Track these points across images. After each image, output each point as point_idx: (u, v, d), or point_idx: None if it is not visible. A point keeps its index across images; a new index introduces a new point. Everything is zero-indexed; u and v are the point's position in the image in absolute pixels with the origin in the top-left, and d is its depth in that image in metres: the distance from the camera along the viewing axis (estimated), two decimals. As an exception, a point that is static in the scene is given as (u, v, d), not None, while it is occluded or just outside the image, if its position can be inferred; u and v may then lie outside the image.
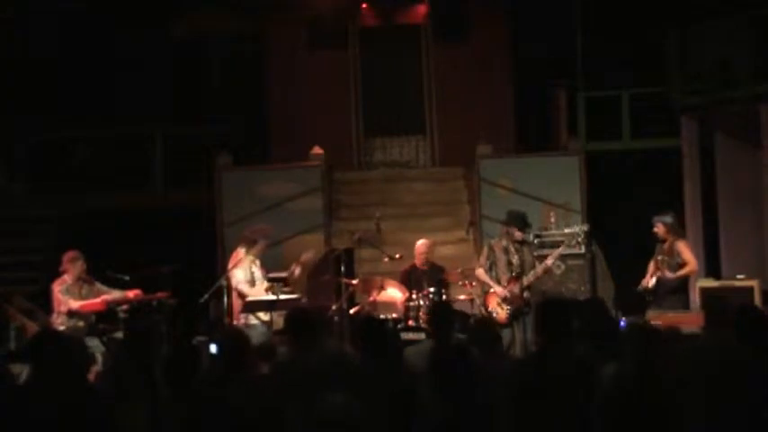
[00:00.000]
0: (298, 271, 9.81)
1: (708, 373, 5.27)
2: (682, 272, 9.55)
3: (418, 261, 10.59)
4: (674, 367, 5.20)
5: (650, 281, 9.63)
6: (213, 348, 5.37)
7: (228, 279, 9.72)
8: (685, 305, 9.64)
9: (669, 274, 9.51)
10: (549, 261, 9.68)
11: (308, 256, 10.09)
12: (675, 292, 9.54)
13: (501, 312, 9.49)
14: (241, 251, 9.66)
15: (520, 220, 9.78)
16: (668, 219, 9.74)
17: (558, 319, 5.26)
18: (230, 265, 9.72)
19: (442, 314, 6.59)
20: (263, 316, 9.18)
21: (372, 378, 5.12)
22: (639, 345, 5.23)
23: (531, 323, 9.30)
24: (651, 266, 9.73)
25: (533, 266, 9.63)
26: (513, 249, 9.66)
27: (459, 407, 4.56)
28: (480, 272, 9.81)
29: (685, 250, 9.64)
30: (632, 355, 5.19)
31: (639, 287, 9.72)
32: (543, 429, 4.91)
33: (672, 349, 5.48)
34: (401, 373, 5.40)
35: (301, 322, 5.68)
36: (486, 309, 9.70)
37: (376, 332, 5.56)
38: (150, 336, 5.90)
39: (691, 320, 8.23)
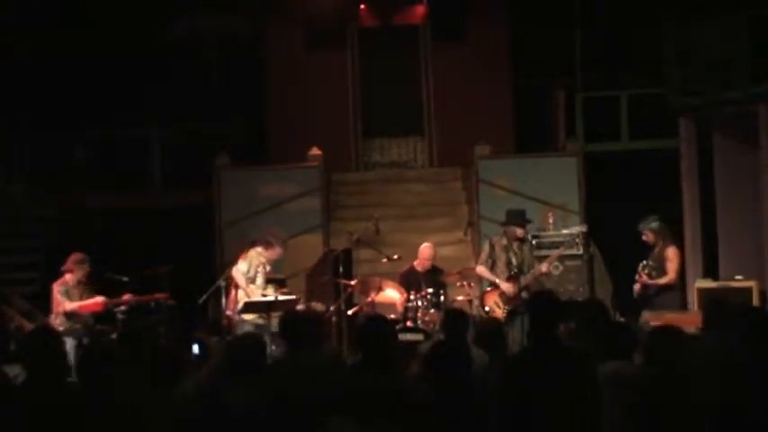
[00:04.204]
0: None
1: (710, 376, 5.27)
2: (660, 281, 9.34)
3: (421, 265, 10.57)
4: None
5: (636, 288, 9.52)
6: (195, 349, 5.40)
7: (228, 278, 9.74)
8: (681, 305, 9.59)
9: (648, 280, 9.38)
10: (544, 267, 9.67)
11: (317, 306, 10.10)
12: (663, 291, 9.38)
13: (498, 311, 9.53)
14: (257, 249, 9.66)
15: (519, 218, 9.81)
16: (654, 224, 9.56)
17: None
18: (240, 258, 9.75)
19: (455, 320, 6.47)
20: (258, 319, 9.23)
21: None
22: (664, 347, 5.22)
23: (527, 323, 9.33)
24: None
25: (533, 266, 9.66)
26: (514, 248, 9.69)
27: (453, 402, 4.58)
28: (482, 269, 9.85)
29: (673, 259, 9.39)
30: (658, 357, 5.18)
31: (635, 294, 9.64)
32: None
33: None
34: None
35: (295, 325, 5.68)
36: (484, 307, 9.74)
37: (374, 339, 5.11)
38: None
39: (689, 321, 8.21)
